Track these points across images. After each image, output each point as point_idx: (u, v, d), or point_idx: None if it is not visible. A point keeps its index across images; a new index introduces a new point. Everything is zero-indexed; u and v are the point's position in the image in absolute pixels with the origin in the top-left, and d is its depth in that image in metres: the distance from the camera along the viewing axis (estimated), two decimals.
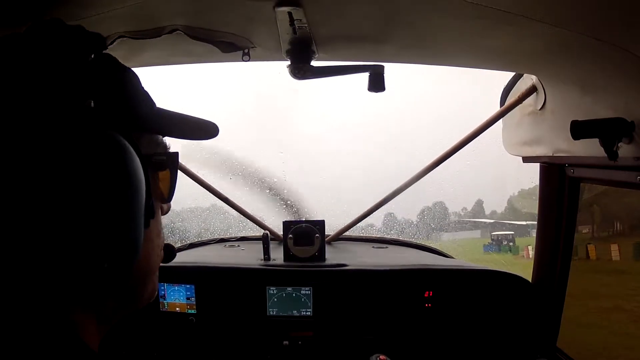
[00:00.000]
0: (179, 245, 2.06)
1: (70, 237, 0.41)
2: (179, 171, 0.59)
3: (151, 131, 0.53)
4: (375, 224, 2.28)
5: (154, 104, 0.53)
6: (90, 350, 0.44)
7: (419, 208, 2.79)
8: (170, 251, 0.59)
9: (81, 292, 0.44)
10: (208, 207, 2.37)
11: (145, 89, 0.52)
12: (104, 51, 0.48)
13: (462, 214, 3.70)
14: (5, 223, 0.40)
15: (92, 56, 0.46)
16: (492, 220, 4.13)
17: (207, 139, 0.59)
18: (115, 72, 0.48)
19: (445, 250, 1.98)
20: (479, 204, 3.81)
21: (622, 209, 1.39)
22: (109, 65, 0.48)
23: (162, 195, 0.55)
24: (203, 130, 0.58)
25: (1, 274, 0.41)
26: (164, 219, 0.58)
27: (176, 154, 0.56)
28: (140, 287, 0.52)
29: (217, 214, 2.29)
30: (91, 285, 0.44)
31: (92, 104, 0.43)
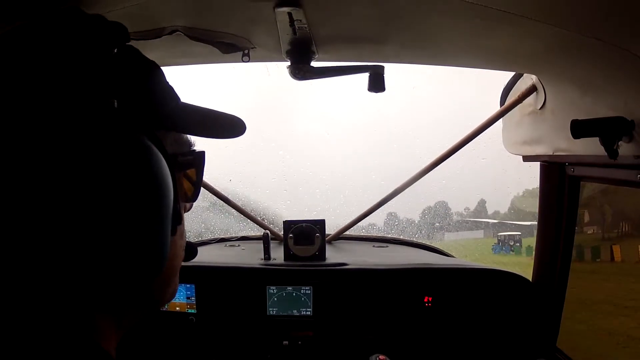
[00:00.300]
0: None
1: (92, 244, 0.39)
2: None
3: (177, 129, 0.51)
4: (376, 224, 2.27)
5: (178, 98, 0.50)
6: (109, 356, 0.43)
7: (421, 207, 2.77)
8: (191, 250, 0.58)
9: (104, 298, 0.43)
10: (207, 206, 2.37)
11: (170, 83, 0.49)
12: (127, 43, 0.45)
13: (465, 213, 3.65)
14: (27, 228, 0.37)
15: (116, 49, 0.43)
16: (495, 221, 4.04)
17: (235, 137, 0.56)
18: (140, 66, 0.45)
19: (450, 250, 1.98)
20: (482, 203, 3.76)
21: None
22: (132, 58, 0.45)
23: (187, 195, 0.53)
24: (231, 127, 0.55)
25: (24, 278, 0.39)
26: None
27: (203, 152, 0.54)
28: (163, 289, 0.51)
29: (217, 212, 2.29)
30: (115, 292, 0.43)
31: (116, 104, 0.41)
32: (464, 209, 3.56)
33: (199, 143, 0.55)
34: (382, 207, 1.83)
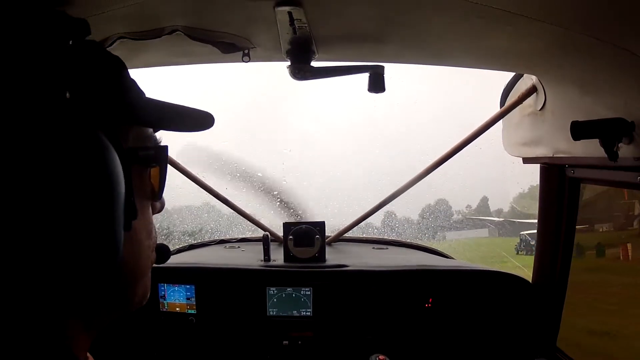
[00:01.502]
0: (180, 245, 2.06)
1: (36, 241, 0.37)
2: (179, 172, 0.56)
3: (139, 123, 0.50)
4: (373, 223, 2.24)
5: (142, 93, 0.49)
6: (75, 357, 0.42)
7: (421, 206, 2.71)
8: (163, 252, 0.56)
9: (61, 298, 0.41)
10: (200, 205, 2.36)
11: (132, 78, 0.49)
12: (86, 37, 0.44)
13: (467, 212, 3.52)
14: None
15: (71, 42, 0.43)
16: (500, 219, 3.88)
17: (202, 130, 0.54)
18: (98, 60, 0.45)
19: (459, 251, 1.97)
20: (484, 201, 3.63)
21: None
22: (91, 52, 0.44)
23: (153, 192, 0.52)
24: (196, 120, 0.54)
25: None
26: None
27: (165, 147, 0.52)
28: (130, 290, 0.49)
29: (210, 212, 2.28)
30: (71, 290, 0.41)
31: (68, 95, 0.40)
32: (466, 207, 3.44)
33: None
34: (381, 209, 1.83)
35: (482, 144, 1.68)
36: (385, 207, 1.83)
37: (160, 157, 0.51)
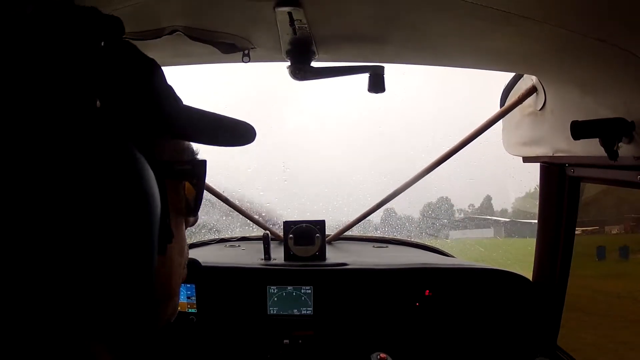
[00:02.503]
0: None
1: (64, 264, 0.34)
2: None
3: (175, 135, 0.46)
4: (373, 220, 2.19)
5: (179, 100, 0.45)
6: None
7: (422, 204, 2.64)
8: (194, 268, 0.53)
9: (88, 321, 0.37)
10: None
11: (169, 83, 0.44)
12: (122, 37, 0.40)
13: (469, 210, 3.39)
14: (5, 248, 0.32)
15: (103, 43, 0.38)
16: (507, 219, 3.71)
17: (242, 145, 0.50)
18: (133, 62, 0.40)
19: (467, 251, 1.95)
20: (488, 200, 3.49)
21: None
22: (124, 53, 0.40)
23: (188, 208, 0.48)
24: (238, 134, 0.50)
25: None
26: None
27: (204, 161, 0.48)
28: (160, 310, 0.46)
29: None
30: (99, 314, 0.37)
31: (99, 104, 0.35)
32: (468, 206, 3.31)
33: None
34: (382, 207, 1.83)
35: (486, 143, 1.67)
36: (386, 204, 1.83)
37: (198, 172, 0.48)
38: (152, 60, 0.43)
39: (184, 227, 0.49)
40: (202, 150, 0.51)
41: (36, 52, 0.34)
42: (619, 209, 1.42)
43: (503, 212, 3.64)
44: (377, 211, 1.87)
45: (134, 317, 0.42)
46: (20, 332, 0.35)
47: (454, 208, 2.92)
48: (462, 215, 3.12)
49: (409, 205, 2.24)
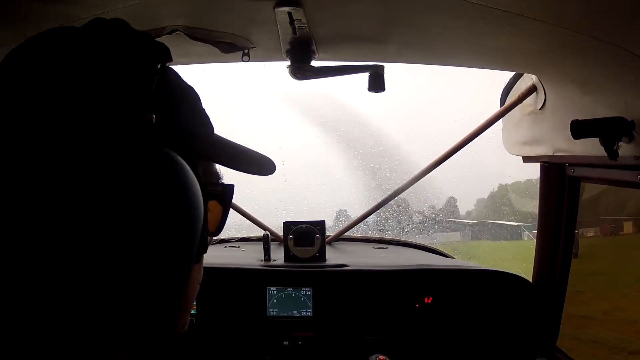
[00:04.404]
0: None
1: (119, 272, 0.35)
2: None
3: (208, 158, 0.49)
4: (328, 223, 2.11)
5: (213, 128, 0.49)
6: None
7: (358, 205, 2.40)
8: (204, 284, 0.54)
9: (122, 332, 0.39)
10: None
11: (206, 111, 0.48)
12: (168, 64, 0.43)
13: (428, 212, 3.08)
14: (47, 256, 0.34)
15: (159, 66, 0.42)
16: (474, 221, 3.52)
17: (265, 175, 0.55)
18: (178, 87, 0.44)
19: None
20: (452, 202, 3.24)
21: None
22: (172, 79, 0.43)
23: (209, 228, 0.50)
24: (261, 165, 0.54)
25: (39, 313, 0.35)
26: None
27: (232, 186, 0.51)
28: (177, 321, 0.48)
29: None
30: (133, 324, 0.39)
31: (154, 120, 0.38)
32: (428, 208, 3.02)
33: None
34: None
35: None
36: (337, 204, 1.82)
37: (226, 195, 0.51)
38: (193, 88, 0.46)
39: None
40: None
41: (107, 70, 0.37)
42: (597, 211, 1.43)
43: (468, 214, 3.49)
44: (330, 213, 1.84)
45: (161, 326, 0.44)
46: (53, 339, 0.36)
47: (411, 209, 2.72)
48: (419, 217, 2.87)
49: (361, 206, 2.18)
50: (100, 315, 0.36)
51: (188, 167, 0.40)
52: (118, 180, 0.35)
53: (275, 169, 0.56)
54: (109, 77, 0.37)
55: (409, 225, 2.61)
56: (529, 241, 3.58)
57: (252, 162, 0.54)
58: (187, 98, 0.45)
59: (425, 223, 2.83)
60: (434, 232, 2.87)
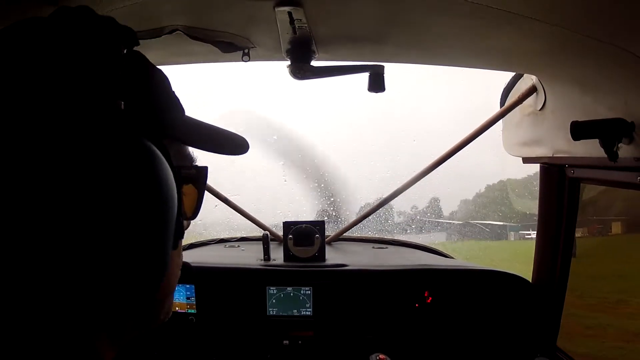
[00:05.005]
0: None
1: (95, 256, 0.36)
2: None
3: (180, 140, 0.49)
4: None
5: (184, 111, 0.48)
6: None
7: (358, 205, 2.40)
8: (186, 270, 0.54)
9: (101, 315, 0.40)
10: None
11: (176, 93, 0.47)
12: (135, 47, 0.43)
13: (411, 212, 2.99)
14: (21, 239, 0.34)
15: (125, 51, 0.42)
16: (460, 222, 3.42)
17: (238, 154, 0.54)
18: (146, 71, 0.43)
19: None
20: (435, 202, 3.11)
21: None
22: (139, 63, 0.43)
23: (186, 213, 0.50)
24: (234, 144, 0.54)
25: (14, 293, 0.36)
26: None
27: (205, 168, 0.51)
28: (159, 308, 0.48)
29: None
30: (112, 307, 0.40)
31: (123, 106, 0.38)
32: (411, 208, 2.93)
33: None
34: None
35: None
36: (319, 205, 1.82)
37: (200, 177, 0.51)
38: (161, 70, 0.45)
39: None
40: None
41: (74, 61, 0.37)
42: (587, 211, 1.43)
43: (452, 215, 3.38)
44: (311, 213, 1.82)
45: (141, 312, 0.44)
46: (34, 321, 0.37)
47: (393, 210, 2.64)
48: (402, 218, 2.79)
49: (348, 210, 2.14)
50: (79, 298, 0.37)
51: (159, 152, 0.40)
52: (87, 168, 0.35)
53: (249, 148, 0.55)
54: (74, 64, 0.37)
55: (388, 222, 2.53)
56: (516, 241, 3.57)
57: (225, 142, 0.53)
58: (156, 81, 0.44)
59: (408, 223, 2.75)
60: (418, 232, 2.79)
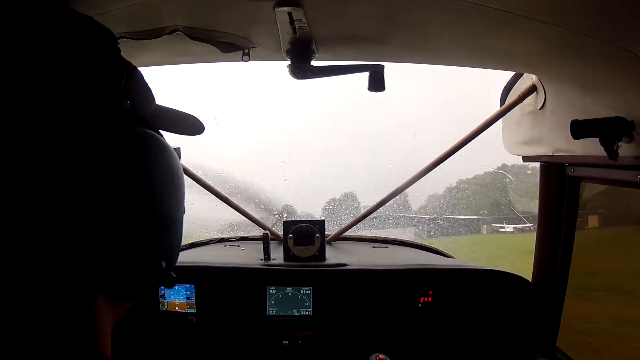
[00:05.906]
0: None
1: (126, 239, 0.43)
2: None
3: (158, 126, 0.53)
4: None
5: (154, 99, 0.53)
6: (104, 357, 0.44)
7: (324, 201, 2.39)
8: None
9: (109, 286, 0.44)
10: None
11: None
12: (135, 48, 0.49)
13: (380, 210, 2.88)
14: (59, 227, 0.39)
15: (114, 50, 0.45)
16: (431, 216, 3.21)
17: (196, 135, 0.62)
18: (125, 67, 0.46)
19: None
20: (402, 197, 2.79)
21: None
22: (118, 60, 0.46)
23: None
24: (194, 126, 0.61)
25: (29, 269, 0.39)
26: None
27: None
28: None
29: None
30: (120, 280, 0.45)
31: (129, 104, 0.44)
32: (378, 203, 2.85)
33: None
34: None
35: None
36: (283, 202, 1.82)
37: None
38: (132, 64, 0.49)
39: None
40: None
41: (65, 61, 0.40)
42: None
43: (420, 210, 3.16)
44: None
45: (135, 274, 0.47)
46: (36, 285, 0.40)
47: (360, 205, 2.54)
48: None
49: (308, 204, 2.12)
50: (77, 260, 0.41)
51: (167, 143, 0.48)
52: (112, 158, 0.41)
53: (204, 128, 0.62)
54: (74, 64, 0.40)
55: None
56: (489, 235, 3.56)
57: (187, 125, 0.60)
58: (135, 75, 0.48)
59: (376, 218, 2.66)
60: (387, 227, 2.71)
